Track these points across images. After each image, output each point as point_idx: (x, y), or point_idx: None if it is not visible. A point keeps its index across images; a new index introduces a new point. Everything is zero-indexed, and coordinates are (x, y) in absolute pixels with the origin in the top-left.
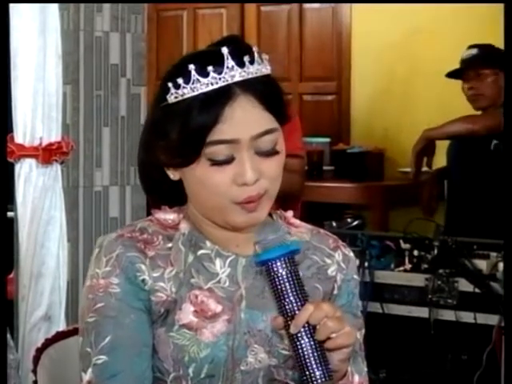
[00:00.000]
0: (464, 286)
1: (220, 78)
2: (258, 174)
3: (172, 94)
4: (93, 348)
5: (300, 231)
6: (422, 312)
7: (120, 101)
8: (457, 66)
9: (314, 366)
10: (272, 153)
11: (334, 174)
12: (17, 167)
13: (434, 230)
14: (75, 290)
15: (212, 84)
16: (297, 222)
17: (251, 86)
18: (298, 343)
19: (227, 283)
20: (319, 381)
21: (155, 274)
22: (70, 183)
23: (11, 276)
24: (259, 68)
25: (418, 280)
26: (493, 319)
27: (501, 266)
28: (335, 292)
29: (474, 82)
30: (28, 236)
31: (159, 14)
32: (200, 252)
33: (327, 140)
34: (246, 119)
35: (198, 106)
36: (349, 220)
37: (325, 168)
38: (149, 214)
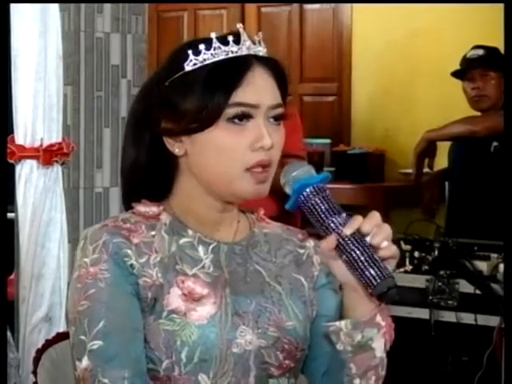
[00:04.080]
0: (464, 287)
1: (239, 48)
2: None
3: (191, 60)
4: (87, 335)
5: (272, 225)
6: (423, 313)
7: (120, 102)
8: (458, 67)
9: (368, 266)
10: (280, 119)
11: (335, 175)
12: (17, 168)
13: (434, 232)
14: None
15: (232, 52)
16: (268, 219)
17: (265, 61)
18: (350, 250)
19: (211, 268)
20: (376, 278)
21: (141, 260)
22: (70, 184)
23: (12, 277)
24: (266, 51)
25: (419, 281)
26: (493, 320)
27: (501, 267)
28: (316, 273)
29: (479, 83)
30: (29, 237)
31: (160, 15)
32: (182, 240)
33: (328, 141)
34: (265, 87)
35: (220, 69)
36: None
37: (325, 169)
38: None
